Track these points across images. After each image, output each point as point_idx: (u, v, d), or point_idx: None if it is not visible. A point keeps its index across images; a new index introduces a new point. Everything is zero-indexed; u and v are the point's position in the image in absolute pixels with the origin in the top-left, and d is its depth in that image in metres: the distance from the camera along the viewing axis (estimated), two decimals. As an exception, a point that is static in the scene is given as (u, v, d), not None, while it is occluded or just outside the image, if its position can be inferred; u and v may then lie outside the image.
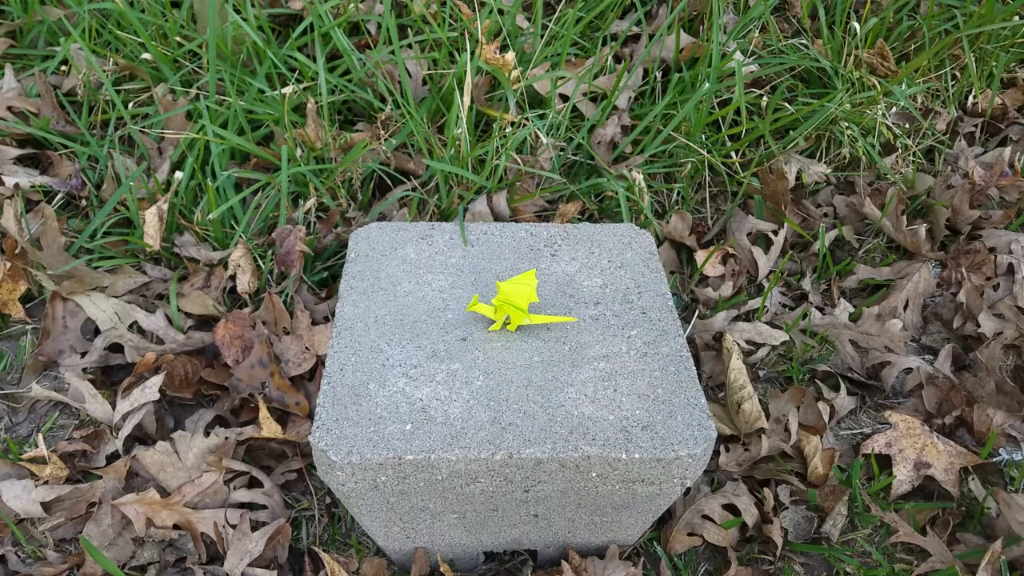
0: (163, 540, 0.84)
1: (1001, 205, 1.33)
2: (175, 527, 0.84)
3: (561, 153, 1.21)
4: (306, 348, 0.97)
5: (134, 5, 1.29)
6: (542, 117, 1.20)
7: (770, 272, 1.18)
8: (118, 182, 1.12)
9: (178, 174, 1.11)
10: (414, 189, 1.14)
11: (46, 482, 0.86)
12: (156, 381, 0.91)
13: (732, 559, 0.86)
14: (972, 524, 0.92)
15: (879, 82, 1.33)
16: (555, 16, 1.31)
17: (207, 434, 0.89)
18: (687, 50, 1.32)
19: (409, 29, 1.25)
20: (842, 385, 1.05)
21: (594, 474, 0.66)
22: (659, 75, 1.31)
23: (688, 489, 0.92)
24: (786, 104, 1.29)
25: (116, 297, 1.03)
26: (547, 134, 1.18)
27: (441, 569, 0.82)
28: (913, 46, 1.44)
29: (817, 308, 1.15)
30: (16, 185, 1.10)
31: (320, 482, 0.92)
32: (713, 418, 0.74)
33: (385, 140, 1.16)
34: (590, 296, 0.80)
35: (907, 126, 1.38)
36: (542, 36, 1.27)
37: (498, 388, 0.69)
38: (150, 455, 0.87)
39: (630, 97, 1.30)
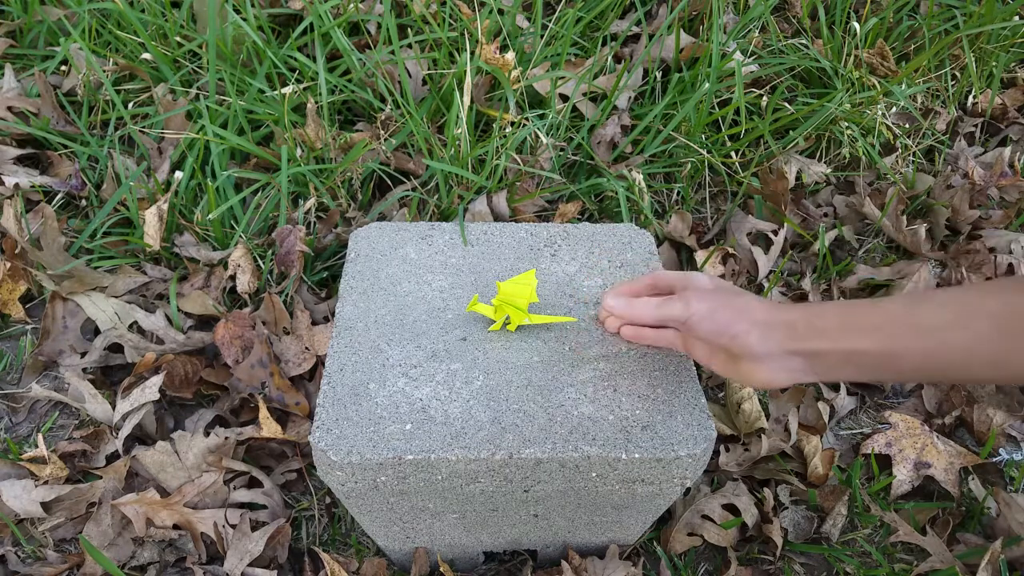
0: (163, 540, 0.84)
1: (1001, 205, 1.33)
2: (175, 527, 0.84)
3: (561, 153, 1.21)
4: (306, 348, 0.97)
5: (134, 5, 1.29)
6: (542, 117, 1.20)
7: (770, 272, 1.18)
8: (118, 182, 1.12)
9: (178, 174, 1.11)
10: (414, 189, 1.14)
11: (46, 482, 0.86)
12: (156, 381, 0.91)
13: (732, 559, 0.86)
14: (972, 524, 0.92)
15: (879, 82, 1.33)
16: (555, 16, 1.31)
17: (207, 434, 0.89)
18: (687, 50, 1.32)
19: (409, 29, 1.25)
20: (842, 385, 1.05)
21: (594, 474, 0.66)
22: (659, 75, 1.31)
23: (688, 489, 0.92)
24: (786, 104, 1.29)
25: (116, 297, 1.03)
26: (547, 134, 1.18)
27: (441, 569, 0.82)
28: (913, 46, 1.44)
29: (817, 308, 1.14)
30: (16, 185, 1.10)
31: (320, 482, 0.92)
32: (713, 418, 0.74)
33: (385, 140, 1.16)
34: (590, 296, 0.80)
35: (907, 126, 1.38)
36: (542, 36, 1.27)
37: (498, 388, 0.69)
38: (150, 455, 0.87)
39: (630, 97, 1.30)
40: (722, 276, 1.16)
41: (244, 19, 1.19)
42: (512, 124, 1.17)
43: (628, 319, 0.69)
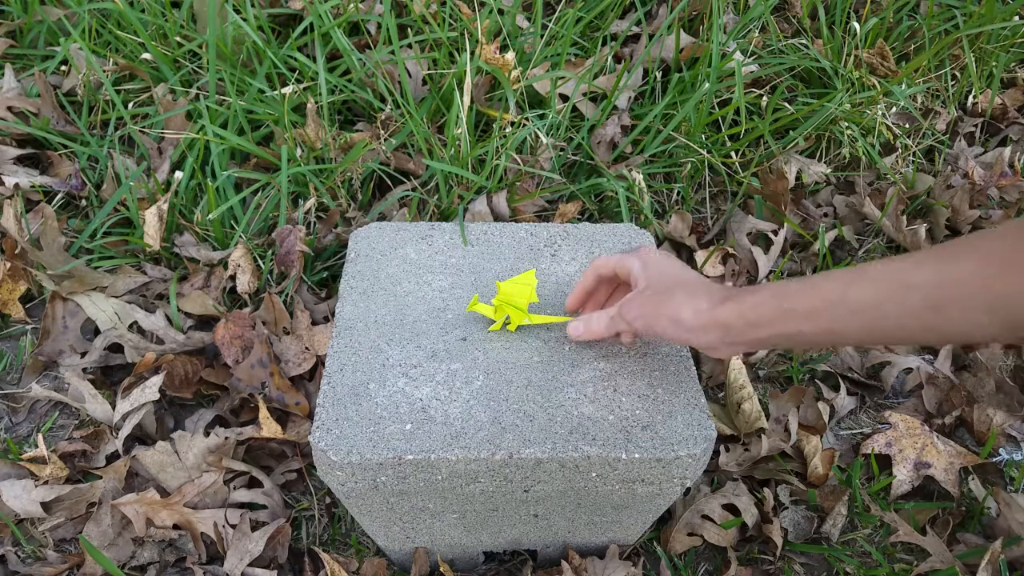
0: (163, 540, 0.84)
1: (1001, 205, 1.33)
2: (175, 527, 0.84)
3: (561, 153, 1.21)
4: (306, 348, 0.97)
5: (134, 5, 1.29)
6: (542, 117, 1.20)
7: (770, 272, 1.18)
8: (118, 182, 1.12)
9: (178, 174, 1.11)
10: (414, 189, 1.14)
11: (46, 482, 0.86)
12: (156, 381, 0.91)
13: (732, 559, 0.86)
14: (972, 524, 0.92)
15: (879, 82, 1.33)
16: (555, 16, 1.31)
17: (207, 434, 0.89)
18: (687, 50, 1.32)
19: (409, 29, 1.25)
20: (842, 385, 1.05)
21: (594, 474, 0.66)
22: (659, 75, 1.31)
23: (688, 489, 0.92)
24: (786, 104, 1.29)
25: (116, 297, 1.03)
26: (547, 134, 1.18)
27: (441, 569, 0.82)
28: (913, 46, 1.44)
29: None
30: (16, 185, 1.10)
31: (320, 482, 0.92)
32: (713, 418, 0.74)
33: (385, 140, 1.16)
34: (590, 296, 0.80)
35: (907, 126, 1.38)
36: (542, 36, 1.27)
37: (498, 388, 0.69)
38: (150, 455, 0.87)
39: (630, 97, 1.30)
40: (722, 276, 1.16)
41: (244, 19, 1.19)
42: (512, 124, 1.17)
43: (590, 339, 0.72)
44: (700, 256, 1.16)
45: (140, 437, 0.93)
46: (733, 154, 1.28)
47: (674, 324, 0.61)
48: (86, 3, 1.27)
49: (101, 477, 0.87)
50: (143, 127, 1.19)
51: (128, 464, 0.88)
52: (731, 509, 0.90)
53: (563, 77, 1.23)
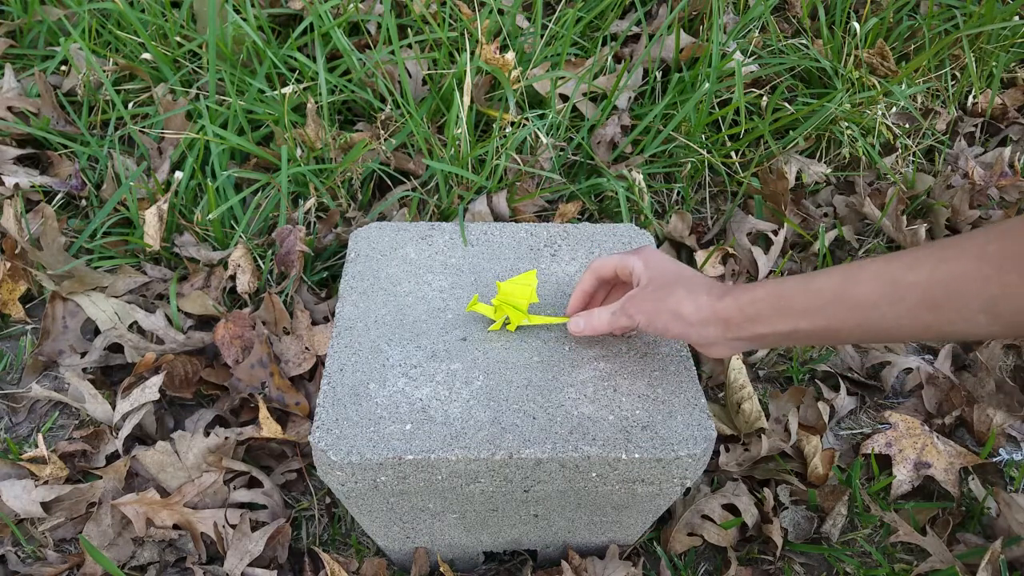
0: (163, 540, 0.85)
1: (1001, 205, 1.33)
2: (175, 527, 0.84)
3: (561, 153, 1.21)
4: (306, 348, 0.97)
5: (134, 5, 1.29)
6: (542, 117, 1.20)
7: (770, 272, 1.18)
8: (118, 182, 1.12)
9: (178, 174, 1.11)
10: (414, 189, 1.14)
11: (46, 482, 0.86)
12: (156, 381, 0.91)
13: (732, 559, 0.86)
14: (972, 524, 0.92)
15: (879, 82, 1.33)
16: (555, 16, 1.31)
17: (207, 434, 0.89)
18: (687, 50, 1.32)
19: (409, 29, 1.25)
20: (842, 385, 1.05)
21: (594, 474, 0.66)
22: (659, 75, 1.31)
23: (688, 489, 0.92)
24: (786, 104, 1.29)
25: (116, 297, 1.03)
26: (547, 134, 1.18)
27: (441, 569, 0.82)
28: (913, 46, 1.44)
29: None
30: (16, 185, 1.10)
31: (320, 482, 0.92)
32: (713, 418, 0.74)
33: (385, 140, 1.16)
34: (590, 296, 0.80)
35: (907, 126, 1.38)
36: (542, 36, 1.27)
37: (498, 388, 0.69)
38: (150, 455, 0.87)
39: (630, 97, 1.30)
40: (722, 276, 1.16)
41: (244, 19, 1.19)
42: (512, 124, 1.17)
43: (592, 335, 0.72)
44: (700, 256, 1.16)
45: (140, 437, 0.93)
46: (733, 154, 1.28)
47: (676, 318, 0.62)
48: (86, 3, 1.27)
49: (101, 477, 0.87)
50: (143, 127, 1.19)
51: (128, 464, 0.88)
52: (731, 509, 0.90)
53: (563, 77, 1.23)
